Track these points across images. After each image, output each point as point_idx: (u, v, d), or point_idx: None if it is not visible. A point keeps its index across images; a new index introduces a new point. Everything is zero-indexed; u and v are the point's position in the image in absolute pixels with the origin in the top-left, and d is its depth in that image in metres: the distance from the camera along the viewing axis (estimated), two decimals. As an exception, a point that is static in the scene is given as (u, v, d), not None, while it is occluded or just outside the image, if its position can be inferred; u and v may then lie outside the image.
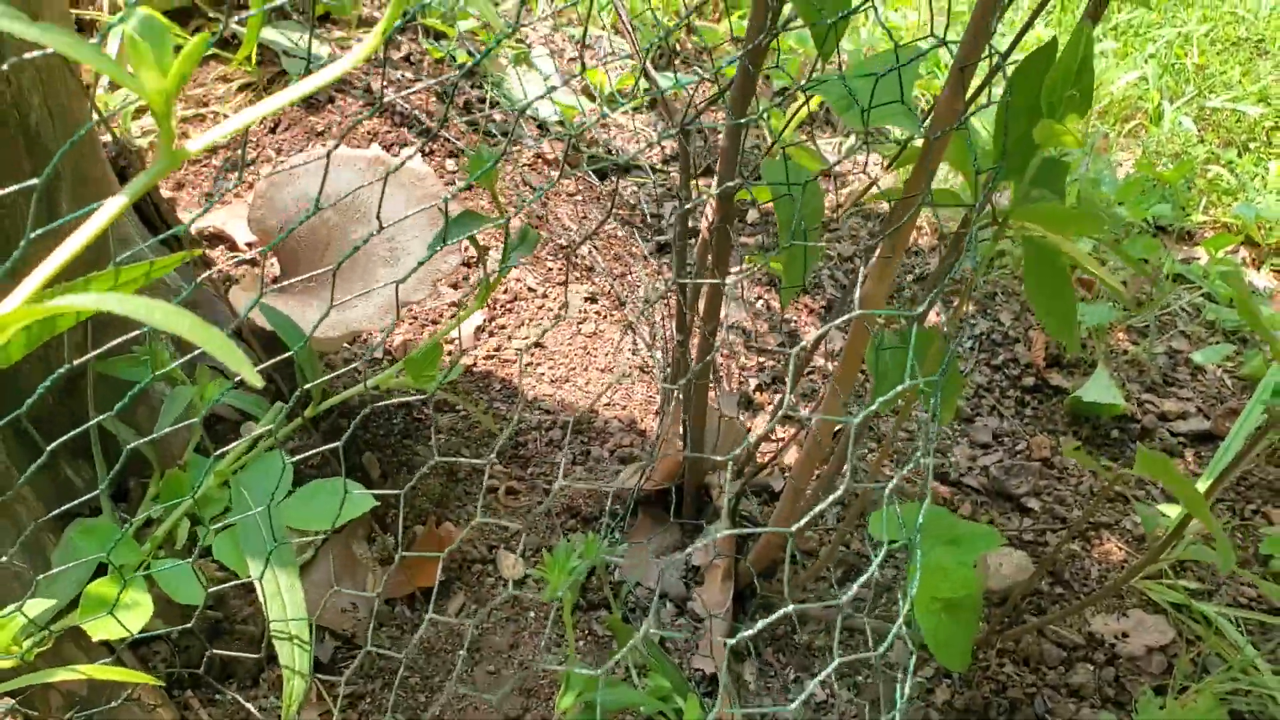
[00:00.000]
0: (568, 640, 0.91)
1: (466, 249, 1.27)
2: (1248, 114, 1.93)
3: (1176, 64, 2.08)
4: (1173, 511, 1.24)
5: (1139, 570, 0.94)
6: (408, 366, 0.81)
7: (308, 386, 0.66)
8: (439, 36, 1.55)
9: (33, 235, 0.43)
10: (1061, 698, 1.06)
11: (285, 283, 0.95)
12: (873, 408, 0.53)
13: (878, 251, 0.79)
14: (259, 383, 0.33)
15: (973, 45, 0.69)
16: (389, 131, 1.39)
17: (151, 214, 1.08)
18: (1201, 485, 1.22)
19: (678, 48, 1.70)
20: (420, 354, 0.82)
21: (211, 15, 1.41)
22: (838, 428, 1.12)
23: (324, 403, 0.85)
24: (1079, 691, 1.06)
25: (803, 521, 0.47)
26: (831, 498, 0.48)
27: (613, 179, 1.43)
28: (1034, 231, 0.79)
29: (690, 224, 1.31)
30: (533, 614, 0.99)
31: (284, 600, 0.71)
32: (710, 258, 0.90)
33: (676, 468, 1.07)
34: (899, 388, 0.51)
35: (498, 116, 1.48)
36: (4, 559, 0.66)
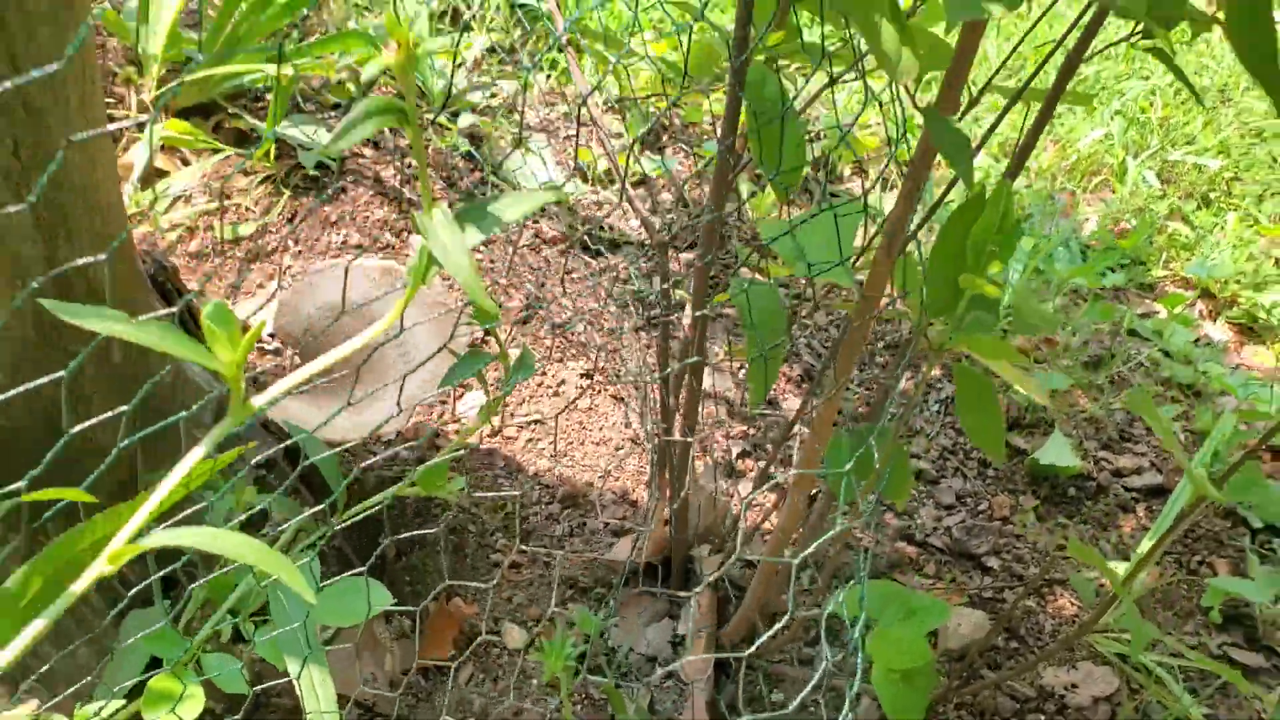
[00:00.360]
0: (565, 713, 1.02)
1: (475, 338, 1.38)
2: (1208, 167, 2.04)
3: (1141, 117, 2.19)
4: (1121, 569, 1.36)
5: (1088, 627, 1.05)
6: (421, 481, 0.93)
7: (333, 499, 0.77)
8: (444, 122, 1.67)
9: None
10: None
11: (309, 387, 1.06)
12: (828, 535, 0.64)
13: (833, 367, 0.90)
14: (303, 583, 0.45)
15: (902, 214, 0.81)
16: (398, 219, 1.50)
17: (188, 321, 1.19)
18: (1147, 542, 1.33)
19: (664, 123, 1.81)
20: (432, 468, 0.93)
21: (231, 111, 1.52)
22: (815, 489, 1.23)
23: (347, 513, 0.96)
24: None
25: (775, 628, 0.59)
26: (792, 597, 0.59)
27: (605, 256, 1.54)
28: (966, 353, 0.90)
29: (674, 301, 1.42)
30: (535, 681, 1.10)
31: (318, 694, 0.83)
32: (693, 346, 1.01)
33: (665, 543, 1.18)
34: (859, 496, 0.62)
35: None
36: (71, 647, 0.77)
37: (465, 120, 1.62)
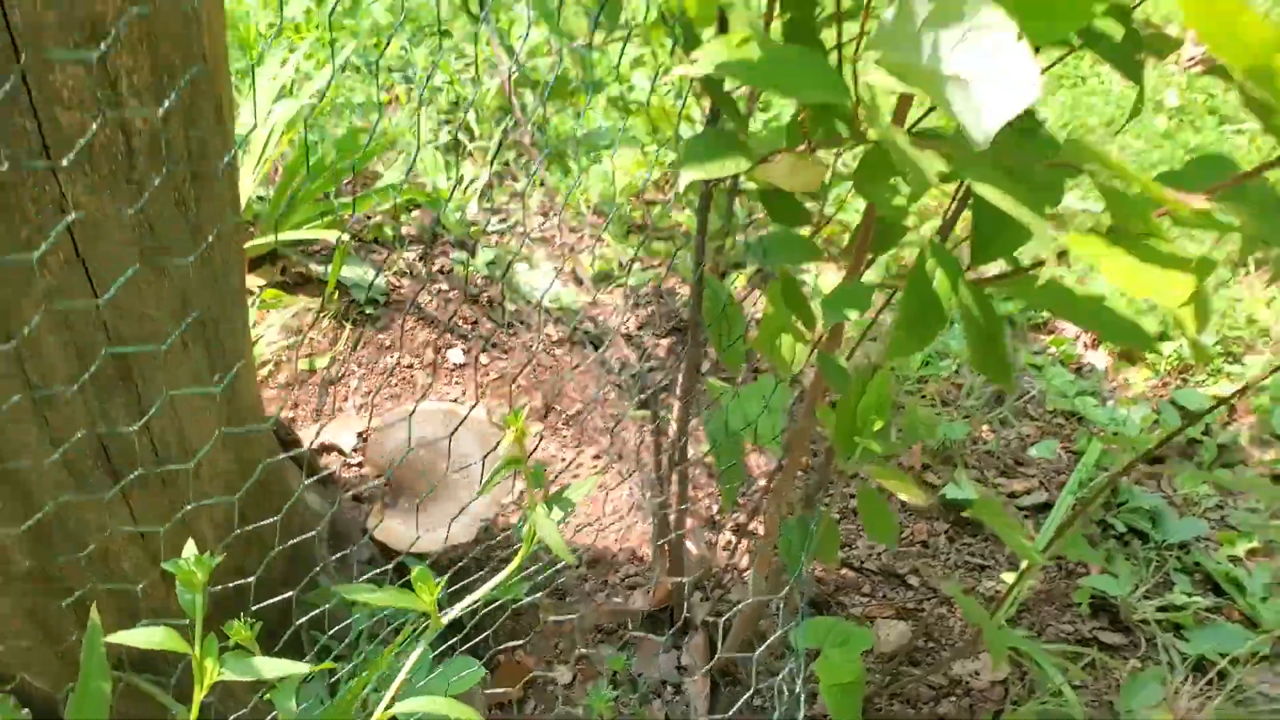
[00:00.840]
0: (606, 729, 1.45)
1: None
2: (1092, 210, 2.45)
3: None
4: (1010, 578, 1.79)
5: (973, 645, 1.48)
6: (503, 591, 1.34)
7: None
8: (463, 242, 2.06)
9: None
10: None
11: (396, 506, 1.48)
12: (784, 592, 1.06)
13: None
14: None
15: (814, 391, 1.22)
16: (437, 339, 1.91)
17: (290, 445, 1.60)
18: (1041, 542, 1.75)
19: (643, 222, 2.20)
20: (509, 576, 1.34)
21: (295, 259, 1.92)
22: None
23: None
24: (944, 716, 1.61)
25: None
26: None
27: (601, 352, 1.95)
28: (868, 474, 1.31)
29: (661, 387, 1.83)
30: (581, 708, 1.53)
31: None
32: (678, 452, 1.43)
33: (667, 594, 1.60)
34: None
35: (510, 307, 1.99)
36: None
37: (484, 255, 2.02)
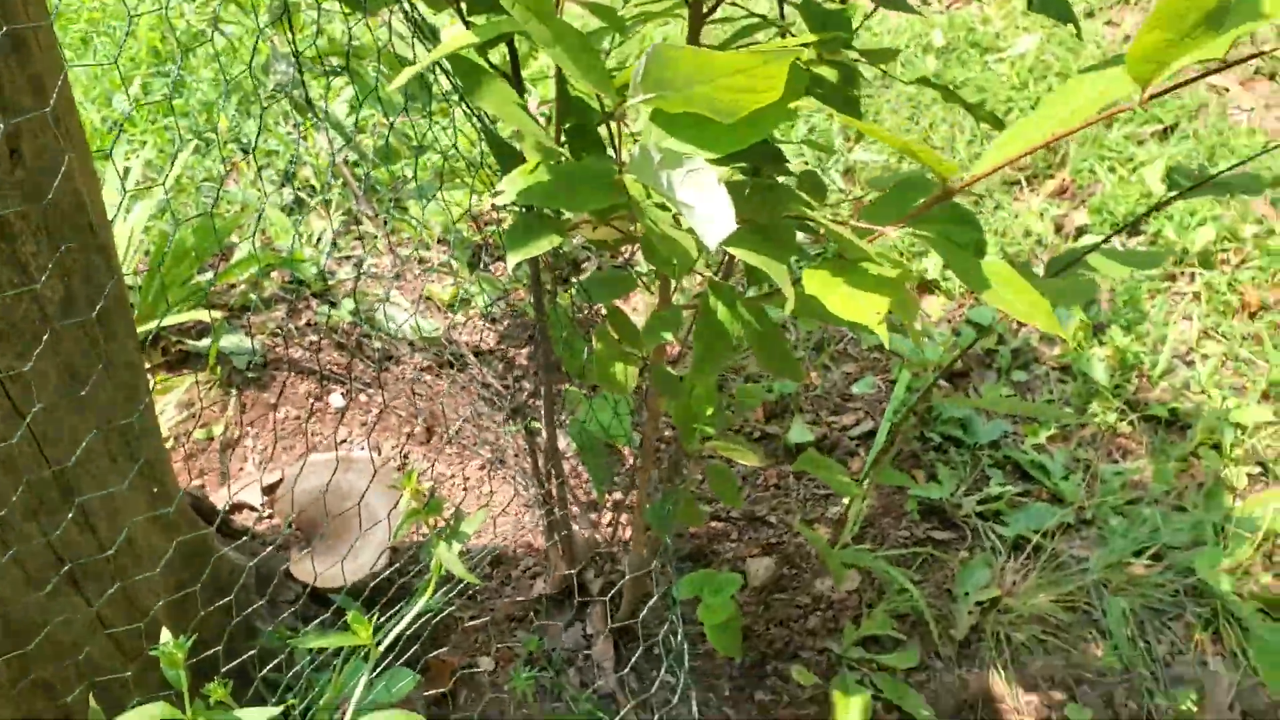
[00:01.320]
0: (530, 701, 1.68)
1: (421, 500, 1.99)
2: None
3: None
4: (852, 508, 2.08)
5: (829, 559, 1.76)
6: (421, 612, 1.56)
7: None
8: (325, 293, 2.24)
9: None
10: (804, 637, 1.89)
11: (310, 546, 1.69)
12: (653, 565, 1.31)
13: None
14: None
15: (651, 422, 1.46)
16: (316, 388, 2.10)
17: (223, 527, 1.78)
18: (869, 467, 2.04)
19: (484, 242, 2.42)
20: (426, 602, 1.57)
21: (174, 339, 2.08)
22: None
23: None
24: (814, 632, 1.89)
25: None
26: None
27: (465, 371, 2.17)
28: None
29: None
30: (506, 688, 1.77)
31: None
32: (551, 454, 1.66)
33: (564, 577, 1.84)
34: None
35: (377, 345, 2.19)
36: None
37: (346, 305, 2.21)
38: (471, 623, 1.84)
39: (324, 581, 1.64)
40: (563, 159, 1.02)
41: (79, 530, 1.24)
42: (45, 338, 1.12)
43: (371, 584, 1.75)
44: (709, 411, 1.51)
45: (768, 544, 2.01)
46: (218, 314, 2.04)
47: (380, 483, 1.76)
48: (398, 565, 1.76)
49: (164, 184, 2.13)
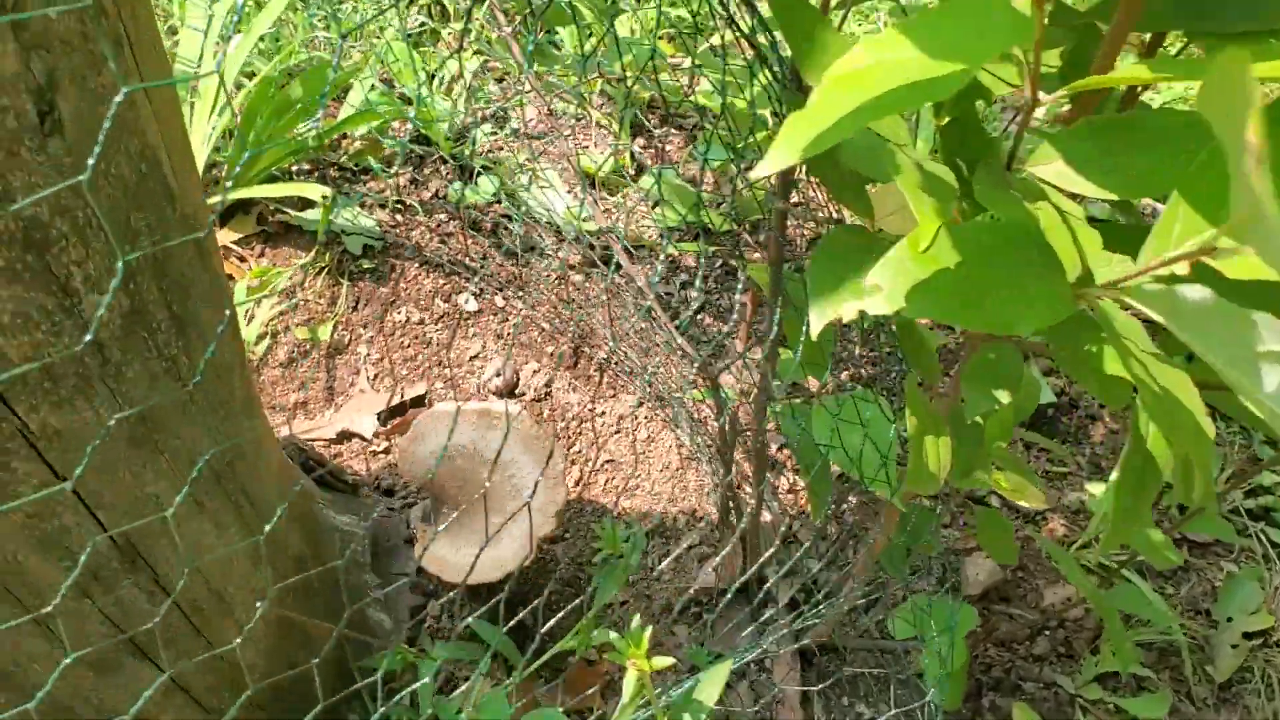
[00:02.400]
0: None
1: (574, 480, 1.61)
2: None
3: None
4: (1098, 490, 1.67)
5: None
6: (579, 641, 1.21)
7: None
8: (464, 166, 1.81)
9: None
10: (1029, 665, 1.52)
11: (438, 521, 1.33)
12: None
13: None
14: None
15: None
16: (445, 284, 1.70)
17: (325, 477, 1.43)
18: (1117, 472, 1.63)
19: (655, 104, 1.94)
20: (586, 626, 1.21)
21: (273, 207, 1.68)
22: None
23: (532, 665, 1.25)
24: (1041, 659, 1.52)
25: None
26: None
27: (624, 268, 1.75)
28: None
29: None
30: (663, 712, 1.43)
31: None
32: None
33: (737, 570, 1.48)
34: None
35: (517, 229, 1.77)
36: None
37: (485, 182, 1.77)
38: (622, 607, 1.50)
39: (458, 576, 1.29)
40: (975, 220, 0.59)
41: (147, 598, 0.89)
42: (99, 373, 0.73)
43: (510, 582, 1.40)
44: (999, 445, 1.10)
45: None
46: (326, 190, 1.63)
47: (530, 446, 1.39)
48: (547, 558, 1.41)
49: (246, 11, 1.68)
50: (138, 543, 0.84)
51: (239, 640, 0.96)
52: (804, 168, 0.93)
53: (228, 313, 0.72)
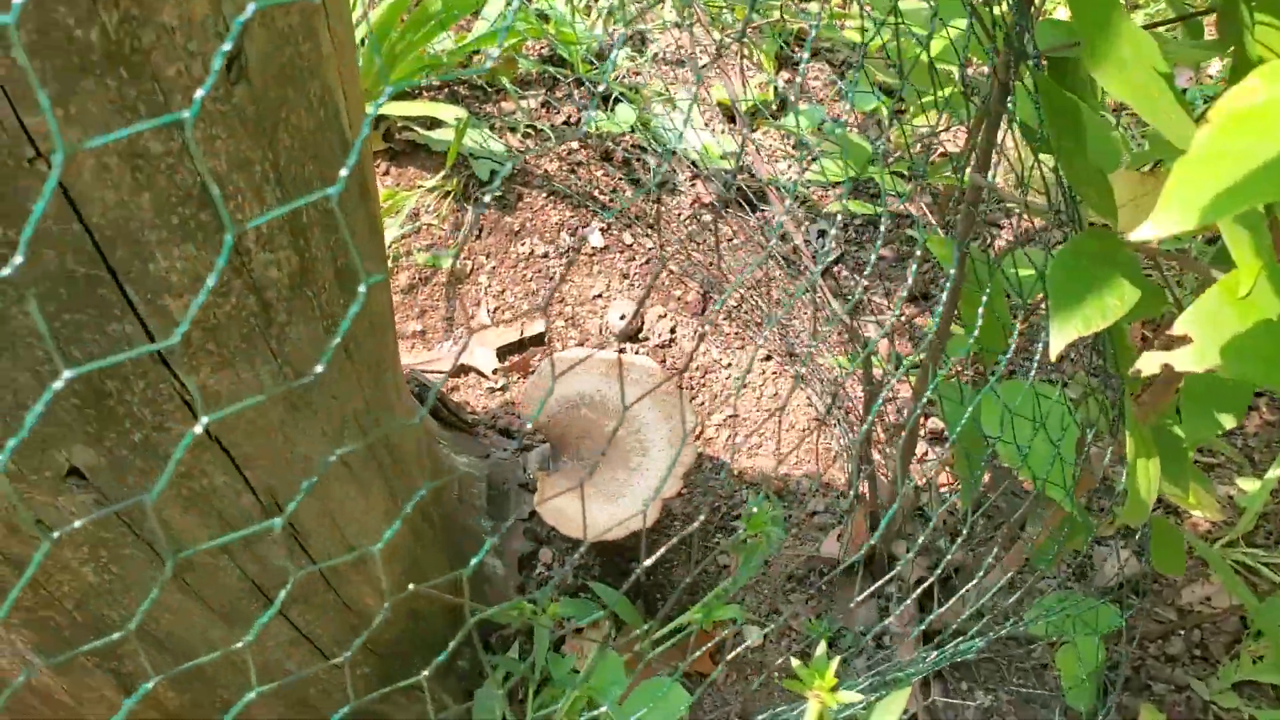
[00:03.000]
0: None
1: (698, 438, 1.53)
2: None
3: None
4: (1250, 486, 1.57)
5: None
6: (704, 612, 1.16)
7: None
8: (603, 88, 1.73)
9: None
10: (1160, 665, 1.44)
11: (559, 469, 1.28)
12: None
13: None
14: None
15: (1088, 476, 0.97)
16: (571, 216, 1.63)
17: (442, 412, 1.39)
18: (1274, 470, 1.53)
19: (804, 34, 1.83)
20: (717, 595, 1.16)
21: (401, 124, 1.62)
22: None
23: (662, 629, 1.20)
24: (1174, 660, 1.45)
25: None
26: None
27: (762, 209, 1.66)
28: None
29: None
30: (777, 675, 1.39)
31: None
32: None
33: (865, 539, 1.41)
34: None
35: (652, 162, 1.69)
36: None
37: (623, 111, 1.68)
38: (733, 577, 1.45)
39: (579, 532, 1.24)
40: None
41: (286, 555, 0.85)
42: (264, 334, 0.68)
43: (634, 544, 1.35)
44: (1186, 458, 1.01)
45: (1126, 527, 1.53)
46: (460, 111, 1.55)
47: (658, 404, 1.32)
48: (671, 520, 1.36)
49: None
50: (283, 501, 0.80)
51: (385, 609, 0.92)
52: (1011, 133, 0.84)
53: (389, 265, 0.66)
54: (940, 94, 1.17)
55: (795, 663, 0.66)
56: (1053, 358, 0.64)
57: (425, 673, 0.49)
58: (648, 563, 0.48)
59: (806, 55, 0.47)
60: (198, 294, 0.60)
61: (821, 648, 0.66)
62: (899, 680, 0.95)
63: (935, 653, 1.03)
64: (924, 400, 1.15)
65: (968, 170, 0.90)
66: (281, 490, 0.79)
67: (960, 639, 1.15)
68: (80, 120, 0.50)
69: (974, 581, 1.01)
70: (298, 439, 0.76)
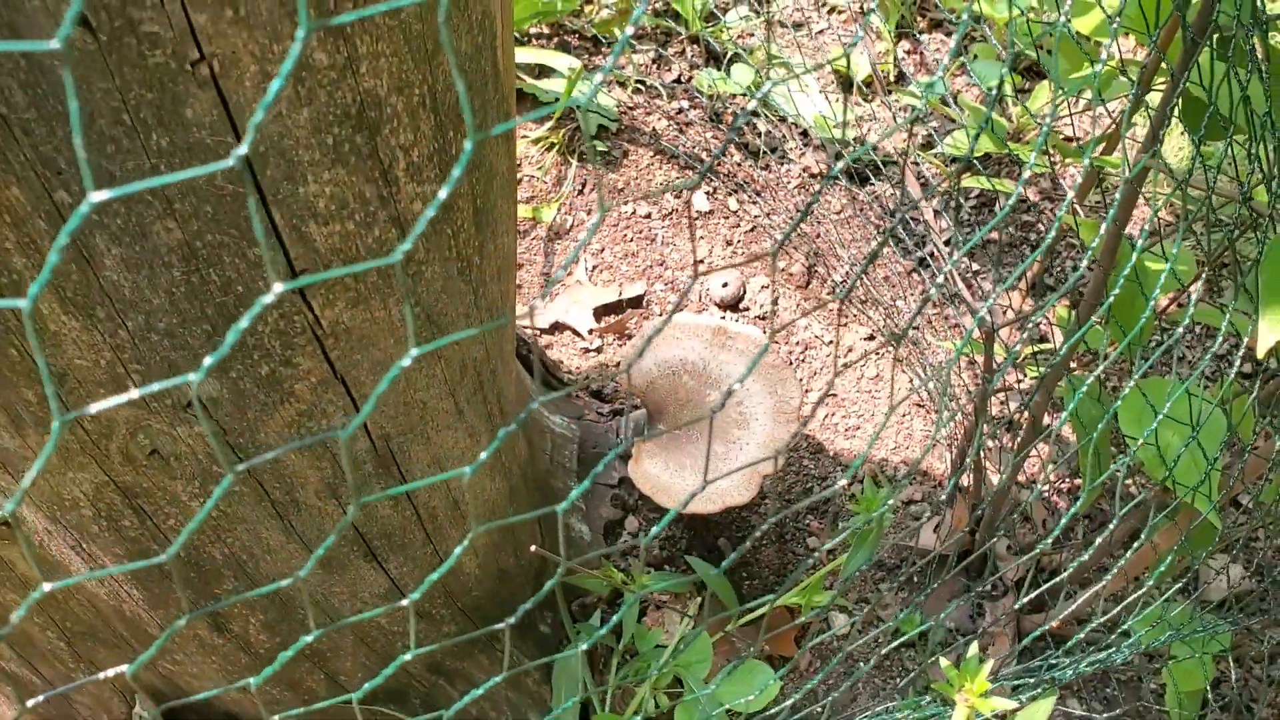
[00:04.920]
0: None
1: (801, 417, 1.49)
2: None
3: None
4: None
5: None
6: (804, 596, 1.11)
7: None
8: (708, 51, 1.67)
9: None
10: (1264, 688, 1.38)
11: (653, 435, 1.24)
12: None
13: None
14: None
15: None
16: (678, 177, 1.58)
17: (540, 372, 1.35)
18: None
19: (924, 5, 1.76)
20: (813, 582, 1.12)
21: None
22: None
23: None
24: (1277, 681, 1.38)
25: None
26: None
27: (873, 183, 1.60)
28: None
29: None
30: (862, 665, 1.34)
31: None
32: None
33: (967, 541, 1.36)
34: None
35: (762, 128, 1.64)
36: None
37: (740, 72, 1.63)
38: (830, 556, 1.40)
39: (673, 502, 1.20)
40: None
41: (391, 502, 0.82)
42: (401, 271, 0.64)
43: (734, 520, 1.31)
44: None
45: (1235, 540, 1.46)
46: (574, 61, 1.51)
47: (763, 376, 1.28)
48: (764, 493, 1.32)
49: None
50: (395, 448, 0.77)
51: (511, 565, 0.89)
52: (1176, 113, 0.78)
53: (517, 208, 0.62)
54: (1092, 70, 1.10)
55: (945, 663, 0.62)
56: (1260, 355, 0.59)
57: (510, 620, 0.45)
58: (755, 535, 0.44)
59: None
60: (343, 222, 0.57)
61: (974, 649, 0.61)
62: (1044, 687, 0.90)
63: (1069, 660, 0.98)
64: (1040, 392, 1.10)
65: (1126, 148, 0.84)
66: (395, 436, 0.75)
67: (1076, 649, 1.09)
68: (248, 22, 0.46)
69: (1093, 591, 0.96)
70: (418, 383, 0.73)
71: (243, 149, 0.24)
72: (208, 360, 0.26)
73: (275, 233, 0.55)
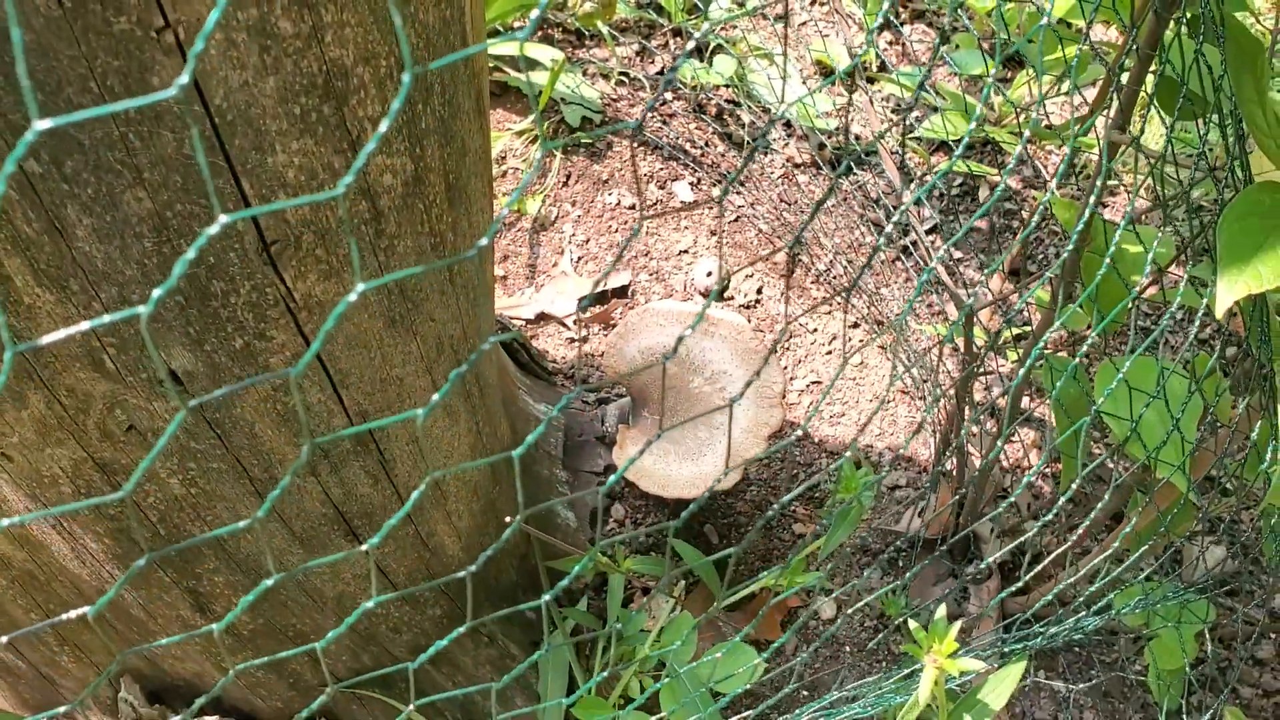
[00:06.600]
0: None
1: (787, 400, 1.50)
2: None
3: None
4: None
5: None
6: (785, 578, 1.12)
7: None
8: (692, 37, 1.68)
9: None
10: (1248, 669, 1.39)
11: (638, 421, 1.25)
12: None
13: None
14: None
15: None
16: (661, 169, 1.59)
17: (523, 358, 1.36)
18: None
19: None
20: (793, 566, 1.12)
21: (492, 64, 1.59)
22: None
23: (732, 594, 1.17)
24: (1264, 664, 1.39)
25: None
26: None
27: (857, 172, 1.61)
28: None
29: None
30: (848, 648, 1.35)
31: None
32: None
33: (950, 523, 1.37)
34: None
35: (746, 118, 1.65)
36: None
37: (722, 63, 1.64)
38: (815, 541, 1.41)
39: (659, 489, 1.21)
40: None
41: (371, 481, 0.82)
42: (373, 244, 0.65)
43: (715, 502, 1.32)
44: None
45: (1218, 519, 1.47)
46: (557, 53, 1.52)
47: (745, 361, 1.29)
48: (749, 479, 1.32)
49: None
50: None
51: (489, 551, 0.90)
52: (1150, 92, 0.79)
53: (491, 185, 0.62)
54: (1064, 54, 1.11)
55: (913, 625, 0.62)
56: (1218, 315, 0.60)
57: (472, 567, 0.46)
58: (752, 536, 0.45)
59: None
60: (312, 192, 0.57)
61: (941, 611, 0.62)
62: (1015, 654, 0.91)
63: (1027, 632, 0.99)
64: (1026, 372, 1.10)
65: (1101, 127, 0.85)
66: (372, 414, 0.76)
67: (1051, 622, 1.10)
68: (212, -12, 0.47)
69: (1076, 574, 0.97)
70: (394, 359, 0.74)
71: (184, 77, 0.25)
72: (156, 292, 0.27)
73: (245, 203, 0.56)
